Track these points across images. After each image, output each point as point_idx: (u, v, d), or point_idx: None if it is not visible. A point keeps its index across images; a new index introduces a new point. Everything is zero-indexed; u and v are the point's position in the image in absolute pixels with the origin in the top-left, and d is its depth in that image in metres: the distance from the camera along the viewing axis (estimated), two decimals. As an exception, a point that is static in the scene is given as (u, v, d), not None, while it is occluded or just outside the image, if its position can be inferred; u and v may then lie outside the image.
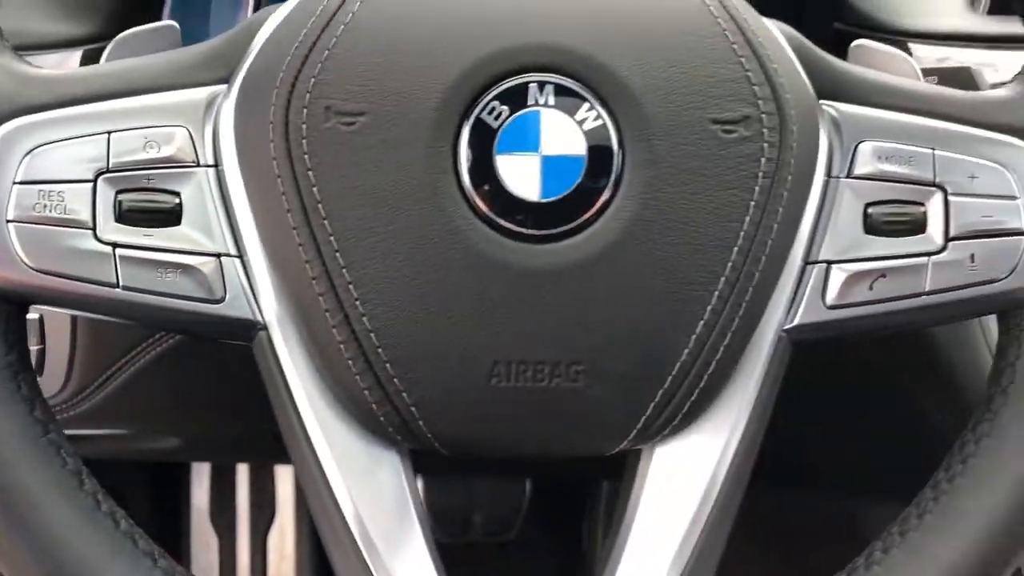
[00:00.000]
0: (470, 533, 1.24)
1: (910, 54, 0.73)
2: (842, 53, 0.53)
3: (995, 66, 0.72)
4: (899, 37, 0.73)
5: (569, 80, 0.44)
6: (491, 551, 1.28)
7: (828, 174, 0.47)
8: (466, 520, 1.23)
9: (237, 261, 0.45)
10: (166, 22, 0.51)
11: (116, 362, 0.70)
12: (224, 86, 0.46)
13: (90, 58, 0.67)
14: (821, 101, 0.47)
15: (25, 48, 0.64)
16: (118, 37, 0.50)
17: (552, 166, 0.43)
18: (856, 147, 0.47)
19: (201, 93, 0.46)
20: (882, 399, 0.76)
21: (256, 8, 0.76)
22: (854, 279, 0.46)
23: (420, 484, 1.26)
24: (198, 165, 0.45)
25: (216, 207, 0.45)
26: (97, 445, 0.84)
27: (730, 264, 0.44)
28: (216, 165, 0.45)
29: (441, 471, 1.11)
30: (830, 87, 0.48)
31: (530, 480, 1.23)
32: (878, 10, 0.74)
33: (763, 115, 0.44)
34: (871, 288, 0.46)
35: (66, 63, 0.67)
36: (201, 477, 1.30)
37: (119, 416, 0.77)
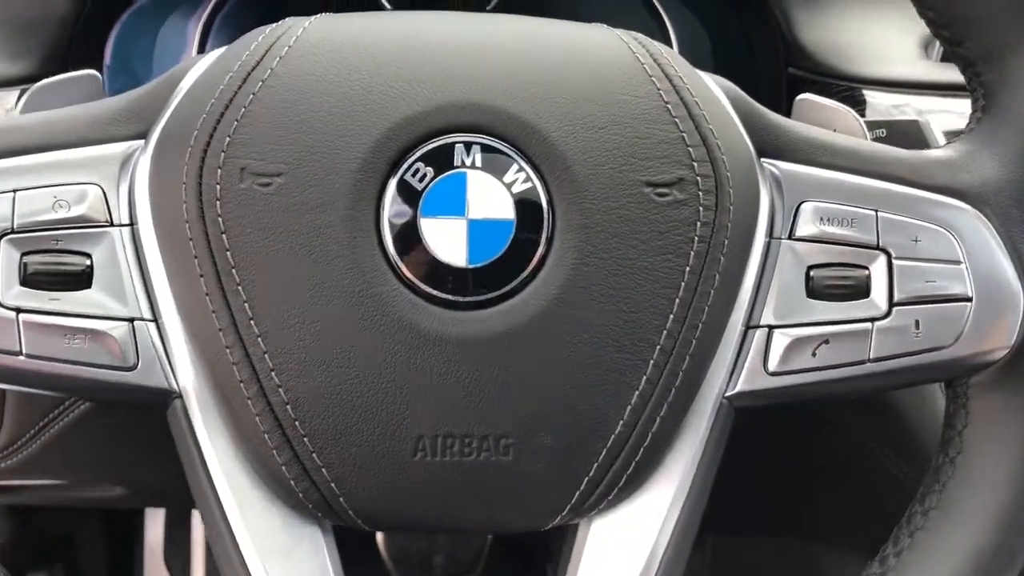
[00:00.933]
0: (431, 575, 1.21)
1: (864, 101, 0.72)
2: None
3: (951, 112, 0.72)
4: (853, 84, 0.72)
5: (497, 140, 0.42)
6: (453, 593, 1.25)
7: (769, 235, 0.45)
8: (427, 562, 1.21)
9: (152, 325, 0.43)
10: (86, 71, 0.49)
11: (48, 413, 0.68)
12: (142, 141, 0.44)
13: (26, 98, 0.65)
14: (762, 159, 0.46)
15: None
16: (34, 86, 0.48)
17: (479, 230, 0.42)
18: (798, 207, 0.45)
19: (117, 148, 0.44)
20: (843, 451, 0.74)
21: (200, 49, 0.75)
22: (796, 345, 0.44)
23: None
24: (111, 224, 0.43)
25: (130, 268, 0.43)
26: (40, 493, 0.82)
27: (665, 332, 0.42)
28: (132, 224, 0.43)
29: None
30: (772, 145, 0.46)
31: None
32: (832, 57, 0.73)
33: (698, 177, 0.43)
34: (814, 354, 0.44)
35: (2, 103, 0.66)
36: (156, 519, 1.27)
37: (55, 466, 0.74)
